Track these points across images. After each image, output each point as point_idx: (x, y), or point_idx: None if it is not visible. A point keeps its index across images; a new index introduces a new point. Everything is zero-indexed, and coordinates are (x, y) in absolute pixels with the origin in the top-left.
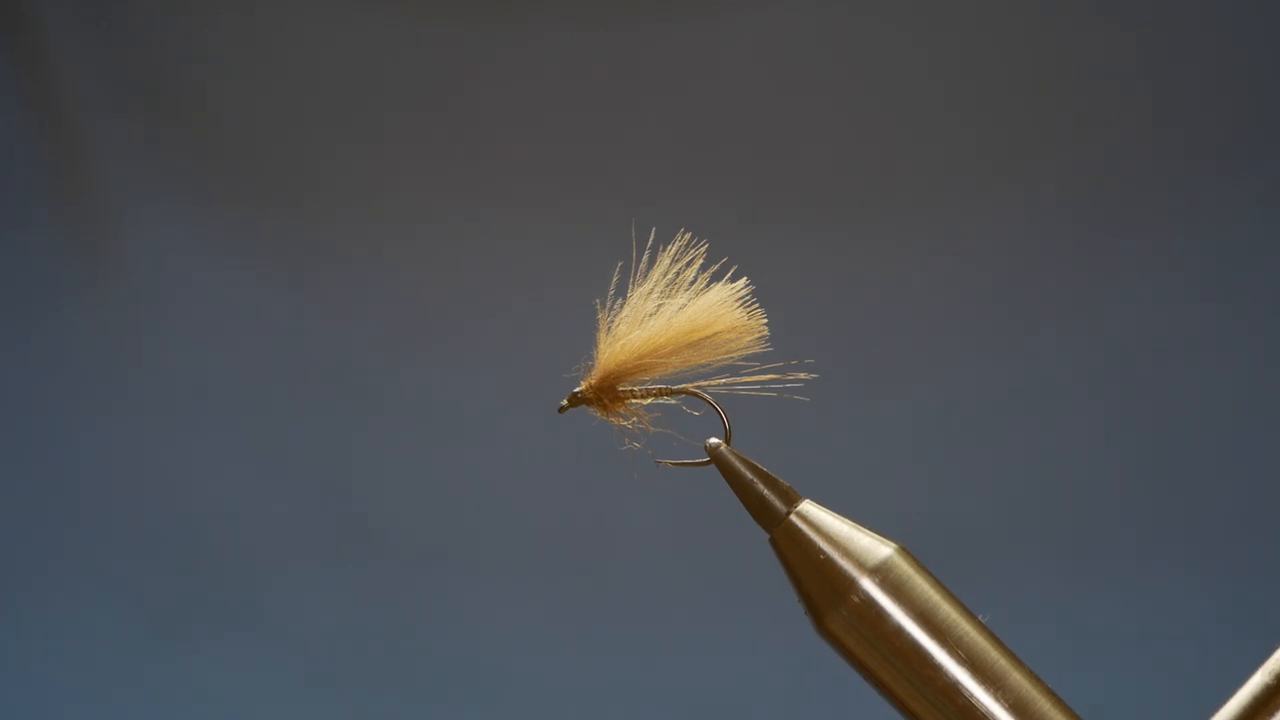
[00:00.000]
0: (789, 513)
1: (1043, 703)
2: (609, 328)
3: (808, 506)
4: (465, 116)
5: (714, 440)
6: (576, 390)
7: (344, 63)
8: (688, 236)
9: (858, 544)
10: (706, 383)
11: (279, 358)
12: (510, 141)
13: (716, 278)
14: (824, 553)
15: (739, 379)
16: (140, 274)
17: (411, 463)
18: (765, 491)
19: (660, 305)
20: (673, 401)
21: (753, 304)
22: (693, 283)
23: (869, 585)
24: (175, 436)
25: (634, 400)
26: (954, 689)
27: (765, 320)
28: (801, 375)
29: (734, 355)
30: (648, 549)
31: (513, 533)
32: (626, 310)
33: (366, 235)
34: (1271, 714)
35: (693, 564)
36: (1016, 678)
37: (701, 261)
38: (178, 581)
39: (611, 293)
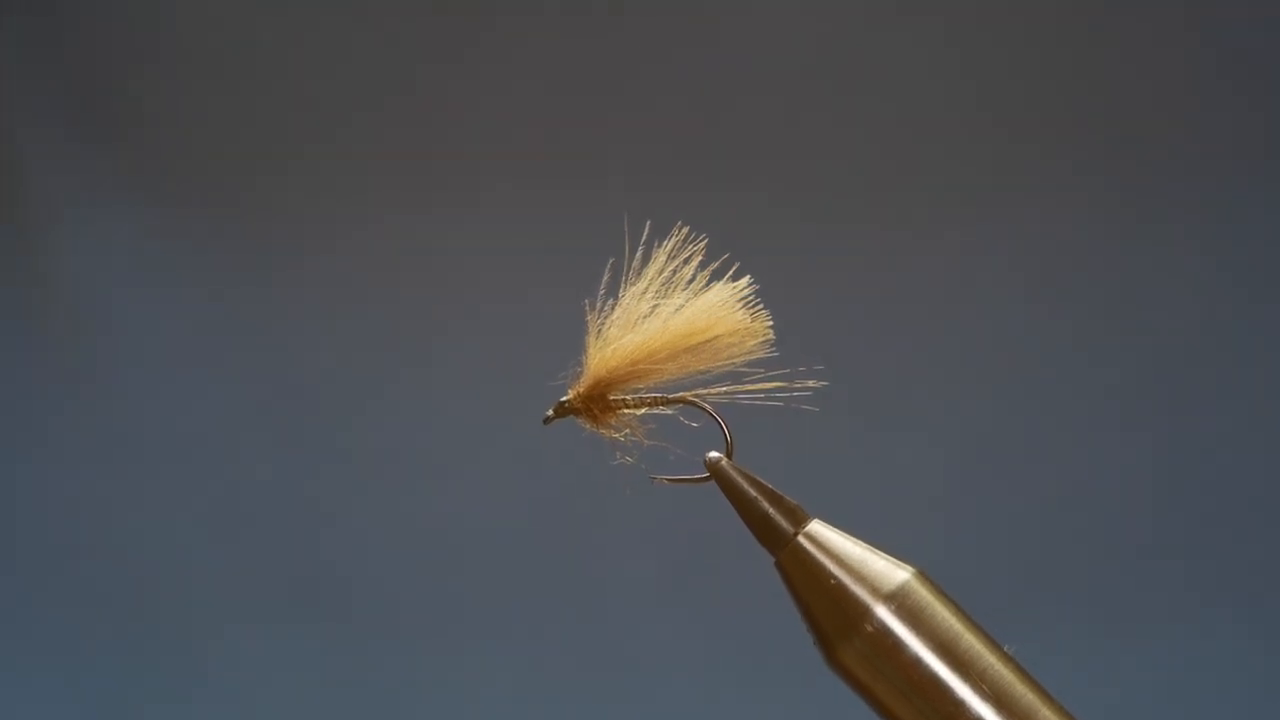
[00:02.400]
0: (796, 533)
1: None
2: (599, 331)
3: (817, 526)
4: (428, 104)
5: (714, 454)
6: (563, 399)
7: (300, 57)
8: (685, 230)
9: (872, 567)
10: (706, 391)
11: (230, 385)
12: (482, 131)
13: (717, 276)
14: (835, 577)
15: (742, 387)
16: (74, 295)
17: (379, 505)
18: (770, 510)
19: (655, 306)
20: (669, 412)
21: (757, 304)
22: (691, 281)
23: (884, 613)
24: (114, 476)
25: (626, 410)
26: None
27: (770, 323)
28: (810, 383)
29: (736, 361)
30: (640, 581)
31: (492, 580)
32: (618, 312)
33: (327, 245)
34: None
35: (691, 596)
36: (1046, 715)
37: (701, 258)
38: (115, 647)
39: (602, 292)
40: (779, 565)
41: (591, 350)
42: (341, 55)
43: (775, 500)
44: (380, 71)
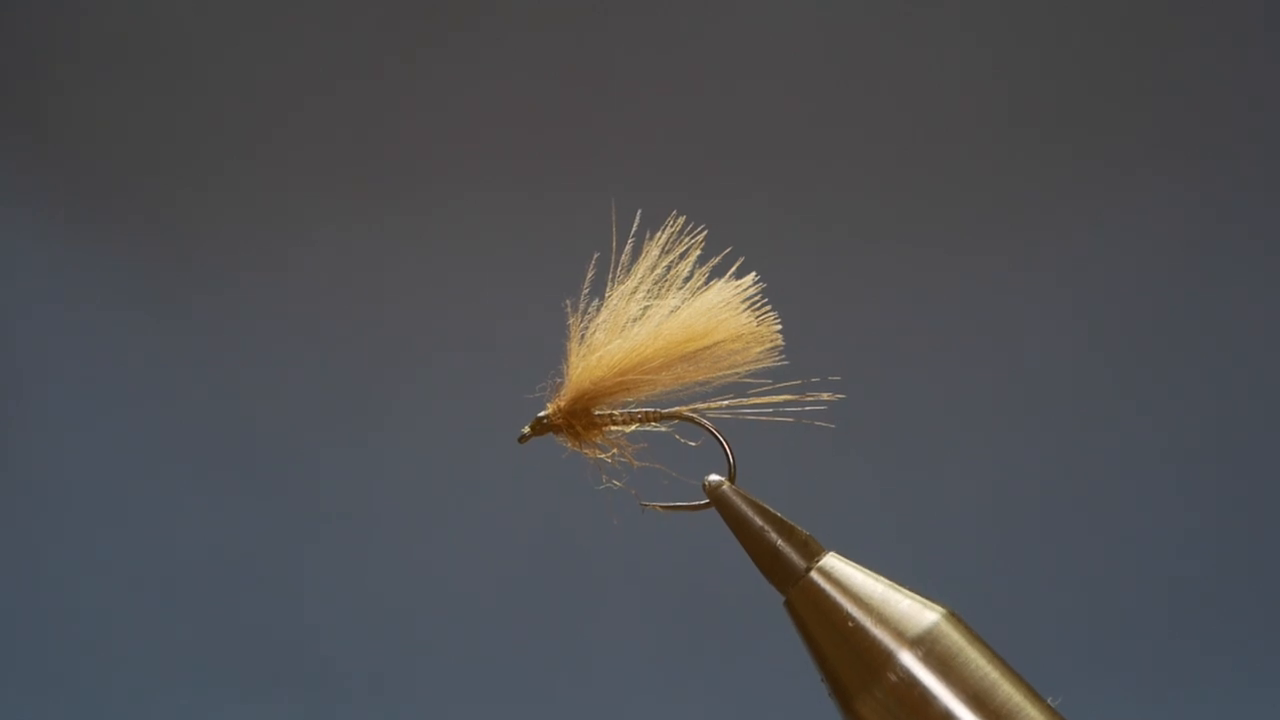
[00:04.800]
0: (809, 568)
1: None
2: (582, 336)
3: (832, 561)
4: (373, 101)
5: (715, 477)
6: (541, 415)
7: (232, 49)
8: (681, 221)
9: (896, 608)
10: (705, 405)
11: (164, 421)
12: (445, 118)
13: (718, 273)
14: (853, 618)
15: (746, 401)
16: None
17: (330, 559)
18: (779, 542)
19: (647, 307)
20: (662, 429)
21: (764, 306)
22: (688, 279)
23: (910, 659)
24: (34, 525)
25: (614, 427)
26: None
27: (780, 327)
28: (825, 397)
29: (740, 371)
30: (630, 627)
31: (461, 640)
32: (604, 314)
33: (267, 254)
34: None
35: (688, 645)
36: None
37: (700, 253)
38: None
39: (585, 291)
40: (789, 605)
41: (573, 358)
42: (278, 49)
43: (785, 531)
44: (324, 66)
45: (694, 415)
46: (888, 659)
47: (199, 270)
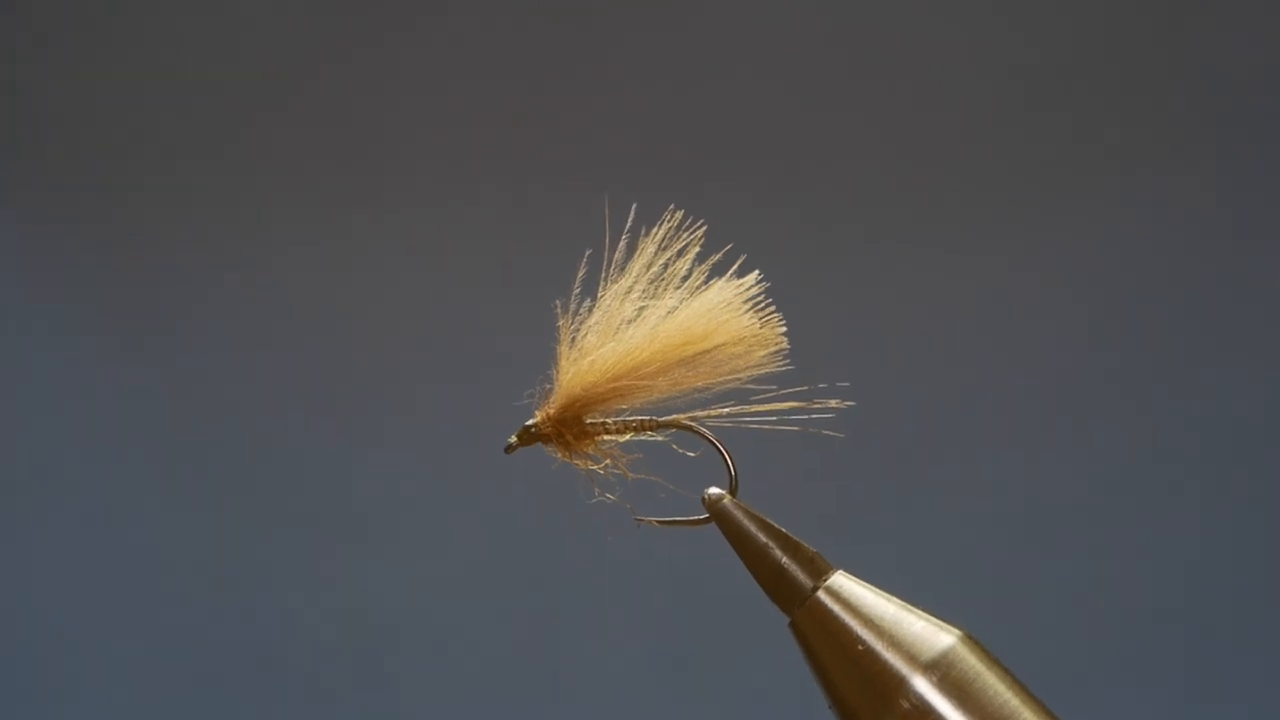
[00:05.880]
0: (816, 587)
1: None
2: (573, 339)
3: (841, 579)
4: (361, 86)
5: (715, 490)
6: (530, 423)
7: (208, 35)
8: (679, 215)
9: (909, 630)
10: (705, 413)
11: (122, 424)
12: (426, 107)
13: (718, 271)
14: (863, 641)
15: (749, 408)
16: None
17: (298, 573)
18: (784, 559)
19: (642, 308)
20: (659, 438)
21: (767, 306)
22: (686, 278)
23: (924, 686)
24: None
25: (607, 436)
26: None
27: (784, 328)
28: (832, 403)
29: (742, 376)
30: (622, 649)
31: (437, 662)
32: (597, 315)
33: (240, 250)
34: None
35: (686, 668)
36: None
37: (699, 249)
38: None
39: (576, 291)
40: (794, 626)
41: (564, 363)
42: (247, 37)
43: (790, 547)
44: (298, 55)
45: (693, 424)
46: (900, 685)
47: (167, 267)
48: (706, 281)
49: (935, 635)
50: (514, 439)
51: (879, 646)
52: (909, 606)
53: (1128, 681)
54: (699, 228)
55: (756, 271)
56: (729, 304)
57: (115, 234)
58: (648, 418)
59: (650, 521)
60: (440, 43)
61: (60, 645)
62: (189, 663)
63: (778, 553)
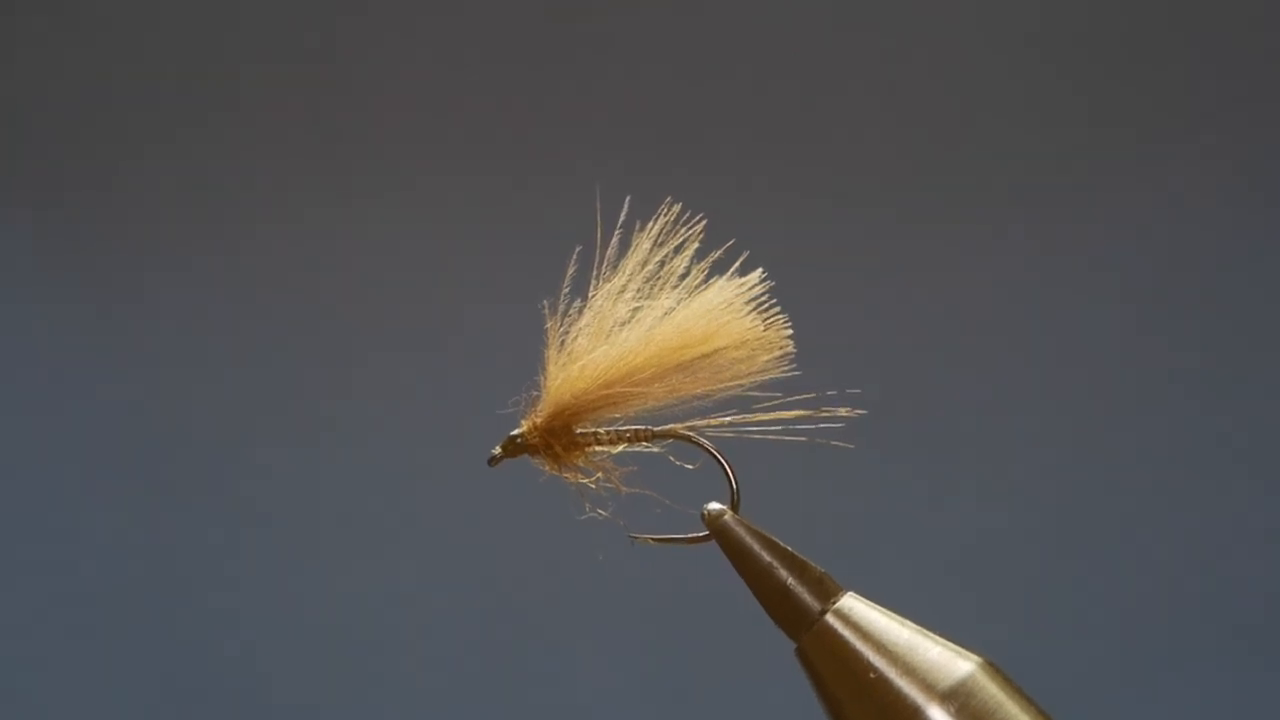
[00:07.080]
0: (824, 610)
1: None
2: (562, 342)
3: (851, 601)
4: (339, 69)
5: (715, 506)
6: (515, 433)
7: (188, 27)
8: (676, 209)
9: (925, 656)
10: (704, 422)
11: (83, 428)
12: (405, 90)
13: (719, 269)
14: (875, 669)
15: (752, 417)
16: None
17: (266, 584)
18: (790, 580)
19: (637, 309)
20: (655, 449)
21: (772, 307)
22: (684, 276)
23: (941, 716)
24: None
25: (599, 447)
26: None
27: (790, 331)
28: (841, 412)
29: (744, 382)
30: (616, 679)
31: (418, 688)
32: (588, 316)
33: (206, 239)
34: None
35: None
36: None
37: (698, 246)
38: None
39: (565, 290)
40: (801, 652)
41: (552, 368)
42: (223, 11)
43: (796, 567)
44: (272, 34)
45: (691, 434)
46: (916, 716)
47: (128, 255)
48: (706, 280)
49: (953, 662)
50: (498, 450)
51: (893, 674)
52: (925, 631)
53: (1159, 699)
54: (698, 222)
55: (760, 269)
56: (730, 304)
57: (74, 226)
58: (643, 427)
59: (645, 540)
60: (425, 29)
61: (21, 652)
62: (154, 672)
63: (783, 573)
